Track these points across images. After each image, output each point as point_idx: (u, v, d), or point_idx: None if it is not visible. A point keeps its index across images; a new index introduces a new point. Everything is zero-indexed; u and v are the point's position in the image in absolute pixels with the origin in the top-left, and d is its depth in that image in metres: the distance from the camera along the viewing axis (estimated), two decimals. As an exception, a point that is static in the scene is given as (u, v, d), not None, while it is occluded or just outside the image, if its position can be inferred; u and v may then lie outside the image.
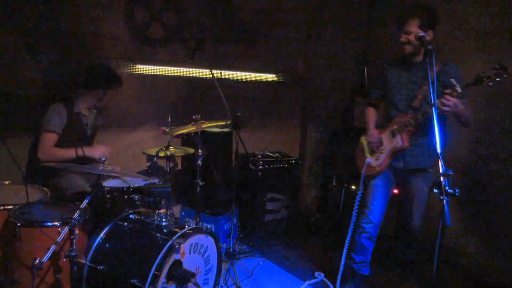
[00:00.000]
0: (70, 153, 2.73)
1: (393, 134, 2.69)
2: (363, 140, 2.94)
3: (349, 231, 2.67)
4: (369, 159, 2.79)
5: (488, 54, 3.17)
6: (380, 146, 2.76)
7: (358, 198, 2.64)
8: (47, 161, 2.65)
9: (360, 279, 2.83)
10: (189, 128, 2.83)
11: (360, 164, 2.87)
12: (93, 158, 2.83)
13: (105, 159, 2.21)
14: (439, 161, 1.60)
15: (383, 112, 2.91)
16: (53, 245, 1.89)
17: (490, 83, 2.21)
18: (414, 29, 2.42)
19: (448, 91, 2.29)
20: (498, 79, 2.18)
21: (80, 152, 2.73)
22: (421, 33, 2.15)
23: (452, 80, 2.27)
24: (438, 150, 1.63)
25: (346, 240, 2.67)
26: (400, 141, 2.63)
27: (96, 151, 2.83)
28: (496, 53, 3.11)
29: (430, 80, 1.78)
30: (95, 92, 2.86)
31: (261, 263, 3.29)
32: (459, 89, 2.25)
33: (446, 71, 2.48)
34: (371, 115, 2.94)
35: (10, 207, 2.15)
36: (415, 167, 2.68)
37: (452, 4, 3.41)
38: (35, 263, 1.86)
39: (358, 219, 2.73)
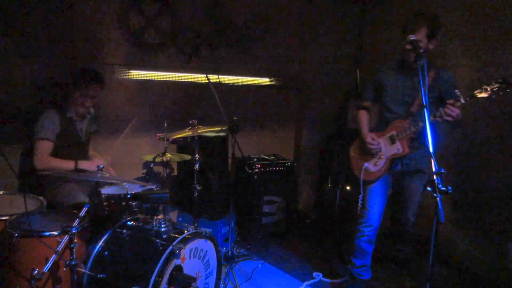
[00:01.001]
0: (69, 165, 2.71)
1: (392, 140, 2.69)
2: (356, 144, 2.92)
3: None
4: (367, 164, 2.76)
5: (475, 59, 3.26)
6: (379, 151, 2.74)
7: (360, 203, 2.71)
8: (44, 169, 2.63)
9: (362, 285, 2.84)
10: (186, 133, 2.85)
11: (357, 168, 2.86)
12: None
13: (102, 167, 2.21)
14: (432, 160, 1.64)
15: (376, 115, 2.91)
16: (53, 255, 1.88)
17: (493, 97, 2.29)
18: (421, 37, 2.42)
19: (450, 101, 2.37)
20: (501, 93, 2.26)
21: (78, 165, 2.71)
22: (413, 37, 2.18)
23: (456, 91, 2.34)
24: (431, 150, 1.68)
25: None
26: (400, 148, 2.64)
27: (94, 165, 2.74)
28: (482, 57, 3.19)
29: (421, 82, 1.82)
30: (82, 91, 2.80)
31: (259, 265, 3.31)
32: (463, 101, 2.33)
33: (440, 76, 2.56)
34: (365, 118, 2.92)
35: (6, 217, 2.12)
36: (414, 169, 2.73)
37: (439, 9, 3.47)
38: (34, 274, 1.84)
39: (357, 224, 2.78)
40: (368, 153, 2.79)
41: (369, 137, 2.76)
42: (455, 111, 2.34)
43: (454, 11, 3.40)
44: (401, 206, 2.86)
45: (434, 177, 1.58)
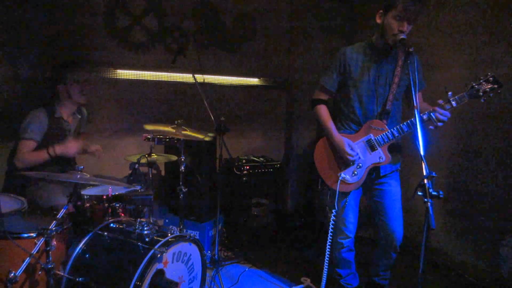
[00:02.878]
0: (42, 154, 2.63)
1: (371, 146, 2.38)
2: (322, 147, 2.53)
3: (326, 250, 2.49)
4: (344, 174, 2.41)
5: (465, 55, 3.18)
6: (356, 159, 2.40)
7: (333, 218, 2.42)
8: (22, 167, 2.58)
9: None
10: (169, 128, 2.77)
11: (329, 178, 2.47)
12: (68, 157, 2.74)
13: (82, 167, 2.13)
14: (423, 164, 1.60)
15: (336, 107, 2.56)
16: (28, 258, 1.81)
17: (483, 100, 2.18)
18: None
19: (440, 102, 2.21)
20: (491, 95, 2.16)
21: (51, 151, 2.62)
22: (402, 36, 2.12)
23: (449, 94, 2.18)
24: (422, 153, 1.63)
25: (325, 261, 2.50)
26: (383, 156, 2.35)
27: (69, 147, 2.69)
28: (473, 54, 3.13)
29: (412, 83, 1.78)
30: (63, 85, 2.75)
31: (246, 269, 3.24)
32: (454, 104, 2.19)
33: (411, 62, 2.22)
34: (328, 116, 2.47)
35: (-17, 218, 2.06)
36: (390, 170, 2.48)
37: (427, 3, 3.42)
38: (10, 276, 1.78)
39: (334, 236, 2.53)
40: (342, 161, 2.44)
41: (346, 145, 2.37)
42: (446, 115, 2.19)
43: (443, 5, 3.34)
44: (384, 216, 2.49)
45: (425, 181, 1.53)
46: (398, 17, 2.19)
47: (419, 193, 1.55)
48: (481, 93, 2.17)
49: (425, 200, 1.53)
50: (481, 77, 2.18)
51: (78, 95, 2.81)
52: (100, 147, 3.02)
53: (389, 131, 2.33)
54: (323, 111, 2.51)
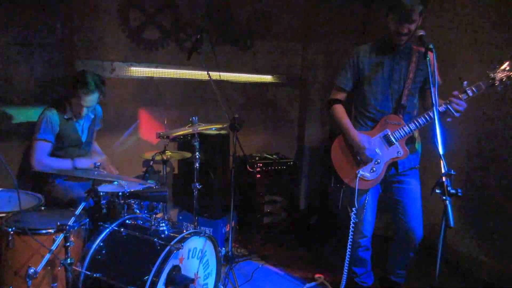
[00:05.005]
0: (66, 164, 2.67)
1: (388, 141, 2.37)
2: (339, 144, 2.51)
3: (347, 249, 2.48)
4: (362, 171, 2.40)
5: (484, 51, 3.11)
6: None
7: (353, 216, 2.41)
8: (41, 170, 2.60)
9: None
10: (185, 130, 2.79)
11: (347, 175, 2.46)
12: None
13: (99, 164, 2.16)
14: (441, 162, 1.57)
15: (352, 106, 2.56)
16: (48, 254, 1.84)
17: (500, 88, 2.14)
18: (416, 17, 2.17)
19: (455, 93, 2.18)
20: (508, 83, 2.12)
21: (76, 164, 2.67)
22: (421, 32, 2.09)
23: (465, 83, 2.16)
24: (441, 151, 1.60)
25: (345, 261, 2.49)
26: (402, 151, 2.34)
27: (91, 163, 2.68)
28: (493, 50, 3.05)
29: (431, 79, 1.74)
30: (75, 96, 2.70)
31: (260, 266, 3.25)
32: (470, 93, 2.16)
33: (423, 56, 2.23)
34: (345, 114, 2.47)
35: (3, 214, 2.11)
36: (409, 167, 2.46)
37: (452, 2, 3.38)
38: (30, 272, 1.81)
39: (352, 235, 2.51)
40: (360, 158, 2.42)
41: (364, 143, 2.35)
42: (462, 105, 2.15)
43: (462, 1, 3.27)
44: (404, 215, 2.47)
45: (443, 178, 1.51)
46: (396, 18, 2.19)
47: (438, 191, 1.53)
48: (497, 82, 2.14)
49: (443, 198, 1.51)
50: (497, 65, 2.15)
51: (76, 106, 2.73)
52: (116, 170, 2.94)
53: (405, 125, 2.32)
54: (340, 110, 2.51)
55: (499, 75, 2.13)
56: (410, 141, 2.41)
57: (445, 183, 1.51)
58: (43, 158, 2.65)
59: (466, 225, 3.31)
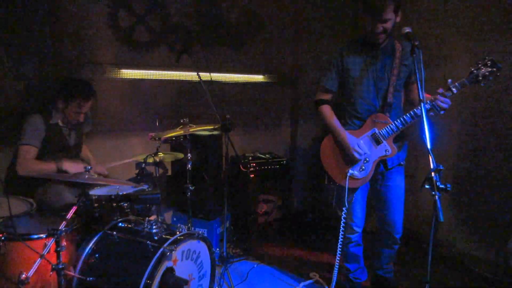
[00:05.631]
0: (50, 166, 2.64)
1: (376, 140, 2.39)
2: (329, 144, 2.54)
3: (338, 246, 2.49)
4: (352, 171, 2.41)
5: (475, 47, 3.14)
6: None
7: (343, 215, 2.43)
8: (26, 174, 2.58)
9: (359, 286, 2.76)
10: (177, 132, 2.79)
11: (336, 174, 2.49)
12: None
13: (90, 168, 2.15)
14: (430, 157, 1.59)
15: (339, 106, 2.58)
16: (38, 259, 1.83)
17: (483, 84, 2.17)
18: (390, 16, 2.20)
19: (440, 91, 2.21)
20: (490, 78, 2.15)
21: (60, 165, 2.64)
22: (407, 29, 2.10)
23: (449, 81, 2.19)
24: (428, 146, 1.62)
25: (336, 259, 2.50)
26: (389, 149, 2.36)
27: (77, 167, 2.67)
28: (484, 46, 3.08)
29: (418, 76, 1.76)
30: (71, 104, 2.72)
31: (255, 266, 3.25)
32: (455, 91, 2.19)
33: (407, 53, 2.32)
34: (333, 114, 2.49)
35: (-7, 220, 2.08)
36: (397, 163, 2.49)
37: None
38: (21, 277, 1.79)
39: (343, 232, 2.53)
40: (349, 157, 2.44)
41: (352, 143, 2.38)
42: (447, 103, 2.19)
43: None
44: (387, 209, 2.53)
45: (432, 174, 1.53)
46: (369, 18, 2.22)
47: (427, 186, 1.55)
48: (480, 78, 2.17)
49: (433, 193, 1.52)
50: (479, 61, 2.18)
51: (74, 114, 2.75)
52: (105, 170, 2.96)
53: (392, 123, 2.34)
54: (327, 110, 2.52)
55: (482, 71, 2.16)
56: (398, 138, 2.44)
57: (434, 178, 1.53)
58: (27, 162, 2.62)
59: (459, 219, 3.34)
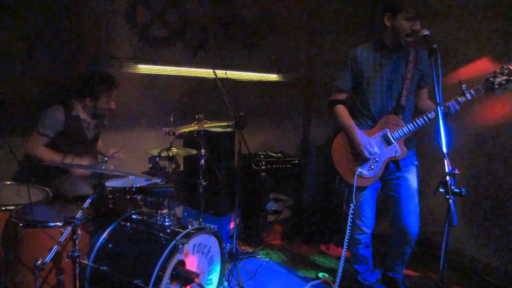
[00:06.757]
0: (56, 159, 2.71)
1: (387, 141, 2.42)
2: (340, 142, 2.56)
3: (344, 245, 2.49)
4: (360, 169, 2.45)
5: (490, 55, 3.12)
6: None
7: (351, 213, 2.45)
8: (31, 155, 2.70)
9: None
10: (191, 127, 2.82)
11: (346, 172, 2.52)
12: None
13: (107, 159, 2.19)
14: (445, 161, 1.58)
15: (352, 106, 2.60)
16: (56, 246, 1.88)
17: (499, 92, 2.17)
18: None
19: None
20: (507, 87, 2.15)
21: (68, 160, 2.71)
22: (426, 32, 2.10)
23: (463, 87, 2.19)
24: (444, 150, 1.62)
25: (341, 259, 2.50)
26: (399, 150, 2.40)
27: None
28: (498, 52, 3.06)
29: (435, 79, 1.75)
30: (101, 98, 2.81)
31: (264, 263, 3.27)
32: (469, 97, 2.20)
33: (420, 57, 2.40)
34: (347, 114, 2.52)
35: (12, 207, 2.15)
36: (410, 164, 2.51)
37: (455, 4, 3.38)
38: (37, 264, 1.83)
39: (351, 232, 2.55)
40: (359, 156, 2.46)
41: (364, 140, 2.40)
42: (457, 109, 2.21)
43: (472, 5, 3.26)
44: (400, 211, 2.50)
45: (447, 178, 1.52)
46: (409, 18, 2.25)
47: (441, 190, 1.54)
48: (496, 85, 2.16)
49: (447, 197, 1.52)
50: (496, 70, 2.19)
51: (105, 104, 2.85)
52: (119, 149, 3.06)
53: (405, 126, 2.37)
54: (342, 110, 2.55)
55: (498, 79, 2.16)
56: (408, 140, 2.46)
57: (449, 182, 1.53)
58: (35, 148, 2.70)
59: (472, 226, 3.31)
